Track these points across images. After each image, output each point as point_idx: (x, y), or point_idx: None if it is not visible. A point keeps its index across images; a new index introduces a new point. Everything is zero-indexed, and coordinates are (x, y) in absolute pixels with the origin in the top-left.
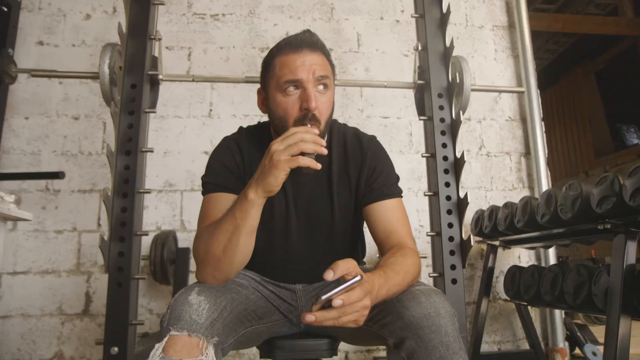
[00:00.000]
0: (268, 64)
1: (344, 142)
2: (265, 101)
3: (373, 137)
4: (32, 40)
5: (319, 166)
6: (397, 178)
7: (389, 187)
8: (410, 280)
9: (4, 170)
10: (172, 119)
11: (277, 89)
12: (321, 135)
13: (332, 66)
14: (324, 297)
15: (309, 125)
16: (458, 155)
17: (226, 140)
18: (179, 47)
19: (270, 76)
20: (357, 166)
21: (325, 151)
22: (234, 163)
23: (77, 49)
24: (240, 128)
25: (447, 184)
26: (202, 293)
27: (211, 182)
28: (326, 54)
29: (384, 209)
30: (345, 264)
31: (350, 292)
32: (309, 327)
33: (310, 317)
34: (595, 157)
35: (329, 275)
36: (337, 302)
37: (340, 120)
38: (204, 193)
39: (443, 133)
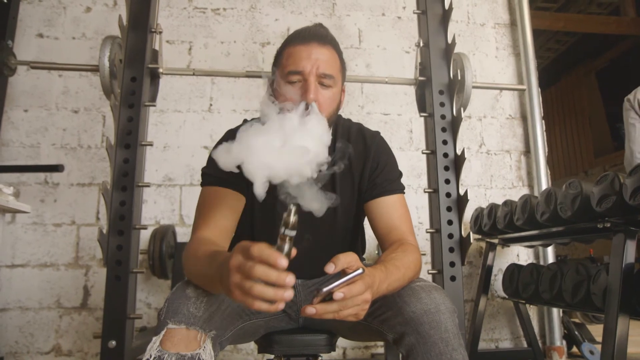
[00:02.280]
0: (278, 54)
1: (348, 137)
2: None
3: (377, 133)
4: (32, 32)
5: (278, 309)
6: (400, 174)
7: (392, 182)
8: (410, 276)
9: (2, 163)
10: (172, 113)
11: (282, 79)
12: None
13: (342, 62)
14: (325, 289)
15: (285, 232)
16: (458, 152)
17: (230, 133)
18: (180, 41)
19: (278, 66)
20: (360, 161)
21: (281, 307)
22: None
23: (77, 41)
24: (245, 121)
25: (447, 181)
26: (199, 286)
27: (211, 175)
28: (337, 49)
29: (386, 205)
30: (346, 257)
31: (352, 285)
32: (308, 322)
33: (310, 310)
34: (595, 157)
35: (330, 268)
36: (338, 295)
37: None
38: (202, 184)
39: (444, 130)
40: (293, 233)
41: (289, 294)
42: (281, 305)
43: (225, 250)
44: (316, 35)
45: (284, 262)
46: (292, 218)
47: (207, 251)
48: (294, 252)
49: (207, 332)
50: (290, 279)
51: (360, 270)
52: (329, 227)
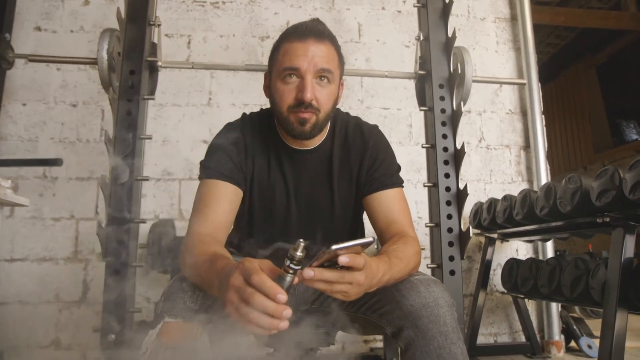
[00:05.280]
0: (275, 48)
1: (346, 131)
2: (269, 85)
3: (375, 127)
4: (30, 25)
5: (270, 333)
6: (399, 167)
7: (390, 176)
8: (411, 269)
9: (1, 157)
10: (171, 107)
11: (278, 75)
12: (321, 124)
13: (340, 57)
14: (334, 247)
15: (290, 265)
16: (458, 146)
17: (229, 126)
18: (179, 35)
19: (275, 61)
20: (358, 156)
21: (274, 332)
22: (236, 150)
23: (75, 35)
24: (244, 115)
25: (447, 175)
26: None
27: (210, 168)
28: (335, 44)
29: (384, 199)
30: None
31: (357, 256)
32: (306, 315)
33: (309, 273)
34: (594, 152)
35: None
36: (343, 259)
37: None
38: (201, 177)
39: (443, 124)
40: (297, 268)
41: (284, 324)
42: (273, 331)
43: (224, 251)
44: (313, 30)
45: (282, 298)
46: (299, 253)
47: (206, 252)
48: (295, 280)
49: (204, 325)
50: (287, 312)
51: (370, 239)
52: (328, 221)
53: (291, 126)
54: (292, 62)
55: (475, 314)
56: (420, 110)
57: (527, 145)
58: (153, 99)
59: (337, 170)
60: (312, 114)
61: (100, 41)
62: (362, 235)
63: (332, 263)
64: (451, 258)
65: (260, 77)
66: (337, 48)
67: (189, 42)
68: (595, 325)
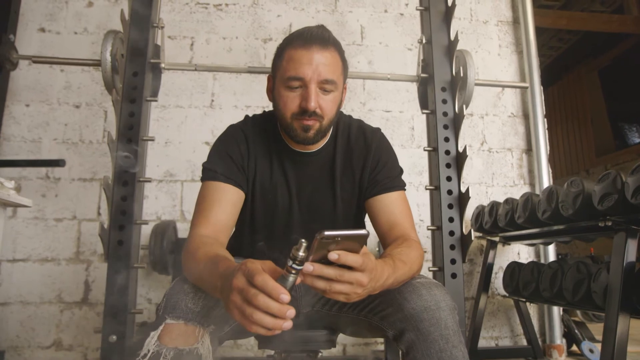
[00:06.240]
0: (279, 53)
1: (348, 134)
2: (272, 89)
3: (377, 129)
4: (34, 26)
5: (274, 333)
6: (401, 171)
7: (392, 179)
8: (415, 272)
9: (4, 157)
10: (174, 108)
11: (281, 82)
12: (325, 130)
13: (344, 62)
14: (326, 232)
15: (292, 265)
16: (460, 149)
17: (232, 128)
18: (182, 37)
19: (278, 66)
20: (361, 158)
21: (278, 332)
22: (238, 152)
23: (79, 36)
24: (247, 117)
25: (449, 178)
26: None
27: (212, 170)
28: (339, 51)
29: (387, 202)
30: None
31: (350, 254)
32: (308, 318)
33: (308, 267)
34: (596, 156)
35: (334, 256)
36: (332, 255)
37: None
38: (203, 179)
39: (446, 127)
40: (300, 268)
41: (287, 324)
42: (277, 331)
43: (226, 253)
44: (318, 38)
45: (285, 298)
46: (302, 253)
47: (208, 254)
48: (298, 280)
49: (206, 327)
50: (290, 312)
51: (365, 231)
52: (330, 223)
53: (295, 132)
54: (297, 72)
55: (477, 318)
56: (423, 113)
57: (529, 149)
58: (156, 100)
59: (340, 173)
60: (315, 121)
61: (103, 43)
62: None
63: (330, 261)
64: (453, 261)
65: (262, 80)
66: (342, 54)
67: (192, 44)
68: (597, 329)
